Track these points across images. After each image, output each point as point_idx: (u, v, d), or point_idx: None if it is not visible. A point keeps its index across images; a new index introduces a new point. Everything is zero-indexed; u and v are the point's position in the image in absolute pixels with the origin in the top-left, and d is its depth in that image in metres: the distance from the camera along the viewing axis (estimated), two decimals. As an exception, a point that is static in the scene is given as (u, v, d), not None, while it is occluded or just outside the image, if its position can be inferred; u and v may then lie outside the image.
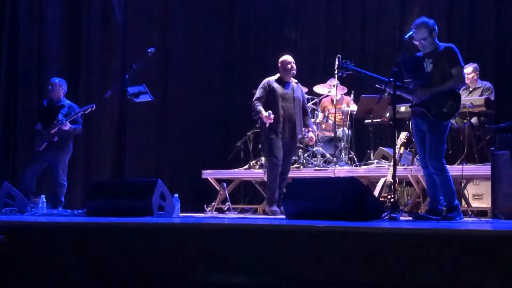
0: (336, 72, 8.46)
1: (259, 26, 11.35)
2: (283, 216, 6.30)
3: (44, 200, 7.03)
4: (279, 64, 7.63)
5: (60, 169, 7.97)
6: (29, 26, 9.15)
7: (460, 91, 5.96)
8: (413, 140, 8.04)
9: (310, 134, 7.85)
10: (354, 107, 8.89)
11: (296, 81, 7.71)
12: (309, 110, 8.00)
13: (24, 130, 8.86)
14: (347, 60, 6.01)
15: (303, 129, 7.71)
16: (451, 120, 5.82)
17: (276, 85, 7.51)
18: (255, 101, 7.51)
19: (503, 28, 9.16)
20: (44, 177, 8.37)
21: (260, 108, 7.41)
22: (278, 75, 7.60)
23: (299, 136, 7.76)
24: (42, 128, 7.94)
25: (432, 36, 5.62)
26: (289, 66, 7.53)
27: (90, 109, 8.02)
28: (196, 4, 11.02)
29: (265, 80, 7.60)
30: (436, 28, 5.67)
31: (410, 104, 5.84)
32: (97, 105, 8.15)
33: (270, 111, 7.34)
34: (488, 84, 8.11)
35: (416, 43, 5.67)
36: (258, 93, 7.56)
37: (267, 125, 7.35)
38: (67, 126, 7.92)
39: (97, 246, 4.31)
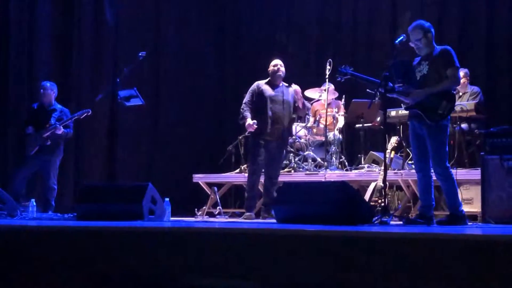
0: (327, 76, 8.53)
1: (250, 30, 11.36)
2: (274, 220, 6.31)
3: (35, 203, 6.99)
4: (269, 69, 7.65)
5: (51, 173, 7.94)
6: (19, 29, 9.12)
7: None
8: (404, 144, 8.11)
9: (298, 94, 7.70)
10: (341, 122, 8.87)
11: (287, 84, 7.70)
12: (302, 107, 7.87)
13: (15, 133, 8.82)
14: (346, 65, 6.01)
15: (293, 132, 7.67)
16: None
17: (265, 87, 7.53)
18: (244, 105, 7.53)
19: (494, 35, 9.21)
20: (35, 180, 8.33)
21: (247, 113, 7.43)
22: (268, 78, 7.62)
23: (290, 140, 7.76)
24: (34, 132, 7.91)
25: (427, 37, 5.63)
26: (275, 68, 7.54)
27: (86, 114, 7.99)
28: (187, 8, 11.02)
29: (255, 83, 7.62)
30: (432, 30, 5.68)
31: (405, 106, 5.82)
32: (87, 108, 8.12)
33: (255, 121, 7.34)
34: (475, 89, 8.16)
35: (412, 45, 5.69)
36: (247, 96, 7.60)
37: (255, 126, 7.34)
38: (61, 130, 7.90)
39: (87, 250, 4.29)
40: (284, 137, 7.56)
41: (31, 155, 7.86)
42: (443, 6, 9.75)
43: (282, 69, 7.58)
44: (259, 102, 7.48)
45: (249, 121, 7.36)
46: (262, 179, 7.81)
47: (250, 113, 7.45)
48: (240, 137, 9.17)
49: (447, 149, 5.60)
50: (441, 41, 9.26)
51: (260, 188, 7.77)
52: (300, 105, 7.71)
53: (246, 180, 7.66)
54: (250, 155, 7.62)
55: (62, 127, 7.89)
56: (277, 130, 7.44)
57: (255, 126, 7.33)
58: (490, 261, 3.17)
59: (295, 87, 7.76)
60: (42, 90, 8.10)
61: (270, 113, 7.42)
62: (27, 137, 7.94)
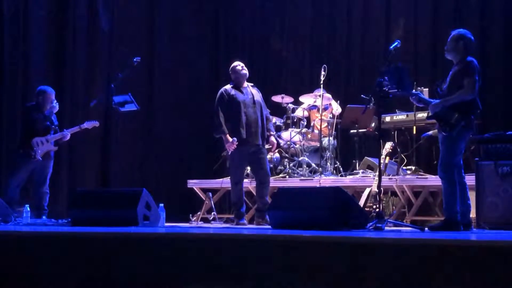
0: (321, 82, 8.54)
1: (244, 36, 11.37)
2: (268, 226, 6.30)
3: (29, 209, 6.96)
4: (230, 72, 7.39)
5: (47, 178, 7.90)
6: (14, 33, 9.10)
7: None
8: (399, 149, 8.14)
9: (272, 138, 7.50)
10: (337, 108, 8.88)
11: (252, 84, 7.45)
12: (268, 113, 7.63)
13: (9, 137, 8.78)
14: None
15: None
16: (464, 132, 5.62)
17: (234, 92, 7.25)
18: (218, 116, 7.20)
19: (488, 41, 9.24)
20: (27, 185, 8.27)
21: (224, 128, 7.13)
22: (232, 84, 7.35)
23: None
24: (39, 136, 7.77)
25: (457, 45, 5.62)
26: (239, 67, 7.30)
27: (93, 125, 7.99)
28: (182, 14, 11.02)
29: (221, 90, 7.32)
30: (468, 43, 5.64)
31: (427, 116, 5.97)
32: (82, 113, 8.11)
33: (234, 138, 7.08)
34: None
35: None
36: (218, 105, 7.24)
37: (236, 144, 7.09)
38: (68, 137, 7.89)
39: (81, 255, 4.28)
40: (262, 138, 7.29)
41: (30, 160, 7.74)
42: (436, 13, 9.78)
43: (245, 68, 7.33)
44: (232, 108, 7.19)
45: (229, 138, 7.09)
46: (249, 185, 7.78)
47: (225, 124, 7.18)
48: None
49: (458, 157, 5.57)
50: (435, 48, 9.36)
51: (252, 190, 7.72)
52: None
53: (231, 190, 7.46)
54: (231, 165, 7.39)
55: (69, 134, 7.87)
56: (254, 134, 7.20)
57: (236, 143, 7.09)
58: (483, 267, 3.17)
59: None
60: (50, 96, 7.87)
61: (244, 118, 7.18)
62: (32, 141, 7.73)
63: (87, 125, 7.96)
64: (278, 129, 9.02)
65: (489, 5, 9.39)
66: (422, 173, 7.92)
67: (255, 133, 7.22)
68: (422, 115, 7.92)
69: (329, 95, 8.92)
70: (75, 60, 9.68)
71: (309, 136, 8.89)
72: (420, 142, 8.11)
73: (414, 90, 6.23)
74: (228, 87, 7.34)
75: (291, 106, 9.08)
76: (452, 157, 5.55)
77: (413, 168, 8.03)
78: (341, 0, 10.65)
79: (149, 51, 10.52)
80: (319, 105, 8.73)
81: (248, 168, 8.12)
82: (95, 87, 9.53)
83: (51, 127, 7.84)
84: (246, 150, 7.20)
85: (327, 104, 8.93)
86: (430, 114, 5.73)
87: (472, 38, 5.70)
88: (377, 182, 5.97)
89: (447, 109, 5.53)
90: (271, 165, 8.67)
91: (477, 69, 5.57)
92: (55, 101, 7.92)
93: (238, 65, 7.36)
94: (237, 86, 7.32)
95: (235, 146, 7.10)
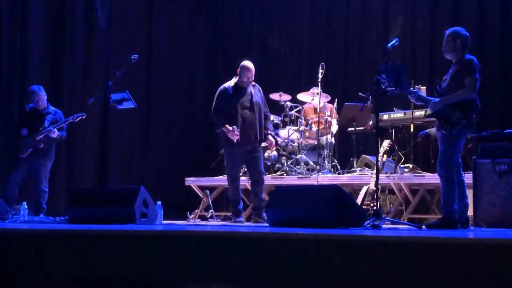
0: (319, 80, 8.55)
1: (243, 34, 11.38)
2: (266, 224, 6.31)
3: (26, 207, 6.96)
4: (239, 69, 7.27)
5: (43, 176, 7.91)
6: (11, 33, 9.09)
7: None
8: (396, 147, 8.14)
9: (269, 137, 7.52)
10: (335, 127, 8.89)
11: (254, 83, 7.35)
12: (268, 112, 7.56)
13: (6, 136, 8.78)
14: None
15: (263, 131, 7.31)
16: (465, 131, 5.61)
17: (233, 92, 7.21)
18: (215, 114, 7.20)
19: (485, 39, 9.25)
20: (26, 183, 8.29)
21: (223, 120, 7.11)
22: (235, 80, 7.29)
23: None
24: (28, 135, 7.85)
25: (455, 43, 5.62)
26: (245, 79, 7.19)
27: (80, 117, 7.95)
28: (179, 12, 11.02)
29: (221, 88, 7.28)
30: (464, 39, 5.63)
31: (426, 114, 5.95)
32: (80, 111, 8.10)
33: (234, 126, 7.04)
34: None
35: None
36: (216, 103, 7.23)
37: (237, 133, 7.06)
38: (55, 133, 7.86)
39: (78, 253, 4.28)
40: (259, 138, 7.23)
41: (24, 158, 7.82)
42: (435, 12, 9.78)
43: (253, 77, 7.22)
44: (229, 108, 7.15)
45: (229, 127, 7.04)
46: (246, 182, 7.77)
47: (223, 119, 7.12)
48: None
49: (457, 156, 5.58)
50: (433, 46, 9.37)
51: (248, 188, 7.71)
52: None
53: (228, 188, 7.47)
54: (228, 163, 7.35)
55: (56, 130, 7.86)
56: (249, 136, 7.15)
57: (237, 131, 7.05)
58: (481, 265, 3.17)
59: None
60: (34, 96, 7.96)
61: (240, 120, 7.14)
62: (21, 140, 7.88)
63: (72, 118, 7.94)
64: (276, 127, 9.03)
65: (487, 3, 9.39)
66: (419, 171, 7.93)
67: (251, 135, 7.19)
68: (419, 113, 7.93)
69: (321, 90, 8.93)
70: (73, 58, 9.68)
71: (307, 134, 8.89)
72: (418, 140, 8.11)
73: (412, 88, 6.23)
74: (228, 85, 7.29)
75: (289, 104, 9.08)
76: (451, 156, 5.55)
77: (411, 166, 8.04)
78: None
79: (147, 50, 10.52)
80: (316, 104, 8.73)
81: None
82: (93, 85, 9.52)
83: (39, 126, 7.85)
84: (242, 150, 7.19)
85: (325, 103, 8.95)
86: (430, 112, 5.73)
87: (467, 34, 5.71)
88: (374, 180, 5.98)
89: (447, 107, 5.54)
90: (269, 163, 8.68)
91: (478, 67, 5.57)
92: (36, 97, 7.93)
93: (251, 70, 7.20)
94: (239, 85, 7.26)
95: (237, 133, 7.05)
